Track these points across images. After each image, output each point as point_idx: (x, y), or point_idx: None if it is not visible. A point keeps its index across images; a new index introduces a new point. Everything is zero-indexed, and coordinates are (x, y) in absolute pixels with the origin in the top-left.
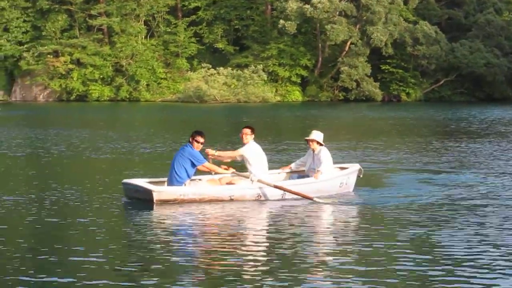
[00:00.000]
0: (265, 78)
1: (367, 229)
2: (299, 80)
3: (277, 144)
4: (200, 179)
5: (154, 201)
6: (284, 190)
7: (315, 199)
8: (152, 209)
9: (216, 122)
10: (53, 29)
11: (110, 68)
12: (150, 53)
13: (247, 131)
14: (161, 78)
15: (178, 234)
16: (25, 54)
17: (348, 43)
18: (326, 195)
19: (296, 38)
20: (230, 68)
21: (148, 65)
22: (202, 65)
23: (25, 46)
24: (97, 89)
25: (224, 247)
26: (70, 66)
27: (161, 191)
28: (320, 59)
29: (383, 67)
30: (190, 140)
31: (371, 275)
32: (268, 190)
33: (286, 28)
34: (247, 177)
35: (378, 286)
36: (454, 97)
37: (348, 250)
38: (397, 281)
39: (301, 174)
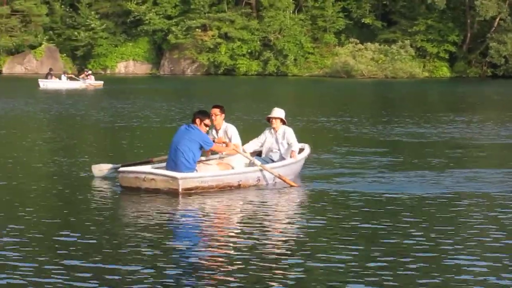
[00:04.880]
0: (413, 54)
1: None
2: (447, 56)
3: (426, 119)
4: (208, 163)
5: (180, 190)
6: (284, 181)
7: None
8: (174, 199)
9: (364, 97)
10: (202, 3)
11: (258, 42)
12: (298, 27)
13: (217, 111)
14: (309, 53)
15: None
16: (173, 28)
17: (497, 19)
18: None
19: (444, 13)
20: (378, 44)
21: (296, 40)
22: (350, 40)
23: (174, 20)
24: (244, 63)
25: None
26: (218, 40)
27: (186, 177)
28: (469, 34)
29: None
30: (198, 122)
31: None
32: (265, 173)
33: (435, 3)
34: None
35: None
36: None
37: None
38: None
39: (258, 156)
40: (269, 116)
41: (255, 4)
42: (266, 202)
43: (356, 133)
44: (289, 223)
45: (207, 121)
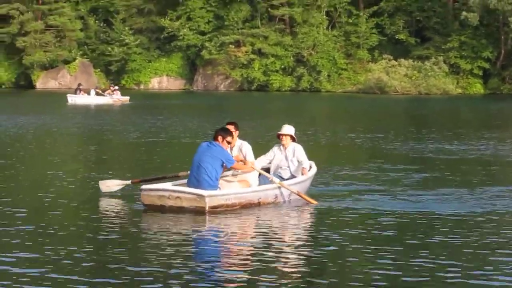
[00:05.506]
0: (446, 70)
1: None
2: (480, 73)
3: (458, 136)
4: (228, 180)
5: (207, 208)
6: (303, 198)
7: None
8: (200, 217)
9: (397, 114)
10: (236, 19)
11: (291, 58)
12: (332, 43)
13: (232, 127)
14: (342, 69)
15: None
16: (207, 44)
17: None
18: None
19: (477, 30)
20: (411, 60)
21: (329, 56)
22: (383, 56)
23: (207, 36)
24: (278, 79)
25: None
26: (252, 56)
27: (213, 195)
28: (503, 51)
29: None
30: (220, 139)
31: None
32: (282, 190)
33: (468, 19)
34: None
35: None
36: None
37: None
38: None
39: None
40: (279, 132)
41: (289, 20)
42: (288, 220)
43: (387, 150)
44: (315, 242)
45: (229, 139)
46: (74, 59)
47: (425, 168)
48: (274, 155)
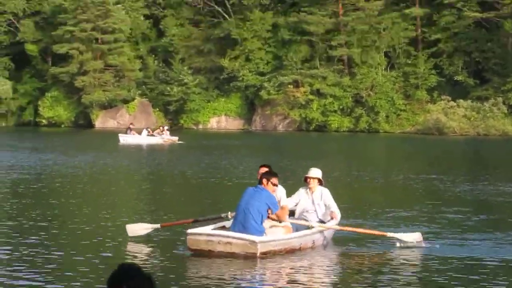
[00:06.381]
0: (505, 111)
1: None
2: None
3: None
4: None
5: (258, 254)
6: (355, 231)
7: (389, 235)
8: (252, 263)
9: (455, 155)
10: (294, 59)
11: (350, 99)
12: (390, 84)
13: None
14: (401, 110)
15: None
16: (266, 84)
17: None
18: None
19: None
20: (470, 101)
21: (388, 97)
22: (442, 97)
23: (266, 76)
24: (336, 120)
25: None
26: (310, 96)
27: (264, 241)
28: None
29: None
30: (265, 182)
31: None
32: (317, 235)
33: None
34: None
35: None
36: None
37: None
38: None
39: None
40: (307, 175)
41: (347, 60)
42: (335, 265)
43: (444, 192)
44: (368, 285)
45: (274, 180)
46: (133, 99)
47: (483, 211)
48: (300, 199)
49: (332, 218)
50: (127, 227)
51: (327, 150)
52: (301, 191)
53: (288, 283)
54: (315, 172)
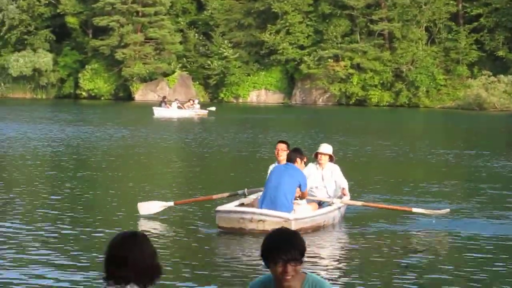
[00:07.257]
0: None
1: None
2: None
3: None
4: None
5: None
6: (377, 207)
7: (414, 210)
8: None
9: (495, 131)
10: (335, 33)
11: (390, 73)
12: (431, 59)
13: (284, 146)
14: (441, 85)
15: None
16: (305, 58)
17: None
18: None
19: None
20: (511, 76)
21: (428, 72)
22: (483, 72)
23: (307, 50)
24: (376, 94)
25: None
26: (350, 70)
27: (298, 218)
28: None
29: None
30: (298, 161)
31: None
32: (336, 212)
33: None
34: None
35: None
36: None
37: None
38: None
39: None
40: (318, 151)
41: (388, 35)
42: (365, 241)
43: (482, 168)
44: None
45: (303, 157)
46: (173, 72)
47: None
48: (310, 175)
49: (344, 195)
50: (139, 205)
51: (367, 125)
52: (311, 166)
53: (322, 258)
54: (326, 148)
